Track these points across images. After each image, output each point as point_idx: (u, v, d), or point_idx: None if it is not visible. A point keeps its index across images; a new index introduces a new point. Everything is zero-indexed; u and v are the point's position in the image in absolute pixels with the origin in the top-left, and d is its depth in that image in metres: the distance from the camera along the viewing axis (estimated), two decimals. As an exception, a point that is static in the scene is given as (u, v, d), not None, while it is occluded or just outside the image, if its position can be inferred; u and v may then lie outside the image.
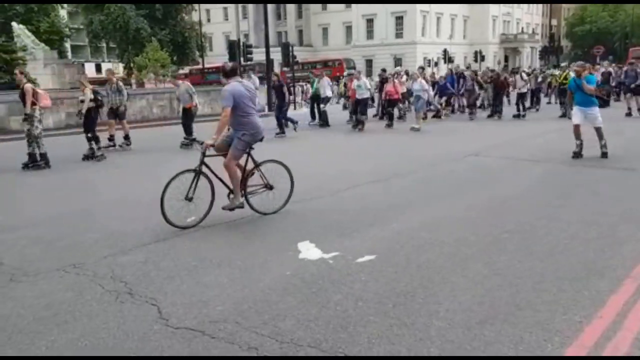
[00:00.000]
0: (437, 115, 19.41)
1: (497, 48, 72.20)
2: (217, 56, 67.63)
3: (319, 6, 72.95)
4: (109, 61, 71.81)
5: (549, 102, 24.96)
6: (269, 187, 6.63)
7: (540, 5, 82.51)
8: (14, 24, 33.20)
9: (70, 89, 21.87)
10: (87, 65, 57.86)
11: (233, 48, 28.68)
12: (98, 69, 64.21)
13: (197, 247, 5.36)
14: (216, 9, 78.42)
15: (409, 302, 3.97)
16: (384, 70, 20.94)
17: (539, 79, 23.92)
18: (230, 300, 4.07)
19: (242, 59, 28.31)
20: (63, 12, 59.21)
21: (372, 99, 21.02)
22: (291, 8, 72.09)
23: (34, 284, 4.52)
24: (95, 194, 8.31)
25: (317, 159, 11.38)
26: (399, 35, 64.18)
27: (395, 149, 12.36)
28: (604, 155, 9.88)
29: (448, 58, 50.16)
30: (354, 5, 66.25)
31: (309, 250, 5.16)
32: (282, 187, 6.70)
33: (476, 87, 19.90)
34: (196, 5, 52.03)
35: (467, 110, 20.11)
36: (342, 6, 69.87)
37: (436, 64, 54.31)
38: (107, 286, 4.40)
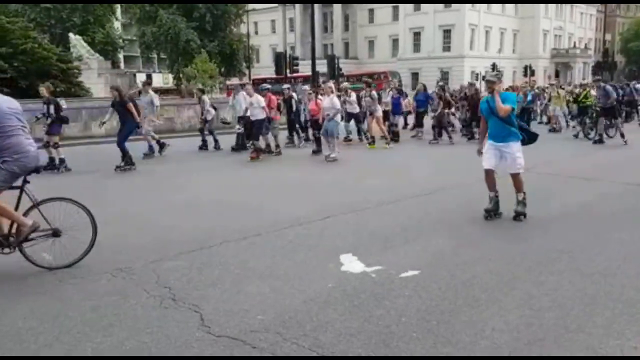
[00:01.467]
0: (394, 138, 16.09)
1: (547, 63, 70.66)
2: (263, 68, 68.59)
3: (365, 19, 73.17)
4: (160, 71, 73.86)
5: (540, 122, 21.91)
6: (56, 233, 5.15)
7: (593, 20, 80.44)
8: (70, 34, 34.60)
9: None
10: (138, 75, 59.63)
11: (279, 60, 29.06)
12: (149, 79, 66.12)
13: (241, 256, 5.39)
14: (264, 22, 79.70)
15: (453, 320, 3.87)
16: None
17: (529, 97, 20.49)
18: (271, 310, 4.06)
19: (288, 70, 28.65)
20: (117, 23, 61.34)
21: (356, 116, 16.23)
22: (338, 21, 72.53)
23: (82, 286, 4.63)
24: (144, 199, 8.50)
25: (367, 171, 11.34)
26: (446, 48, 63.64)
27: (425, 164, 12.18)
28: (519, 216, 6.68)
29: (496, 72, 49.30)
30: (401, 18, 66.16)
31: (351, 263, 5.11)
32: (79, 234, 5.23)
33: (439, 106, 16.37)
34: (244, 18, 53.00)
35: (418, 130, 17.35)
36: (389, 19, 69.90)
37: (484, 77, 53.51)
38: (151, 291, 4.47)
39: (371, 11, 72.67)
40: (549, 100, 20.38)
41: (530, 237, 5.96)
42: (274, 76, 38.03)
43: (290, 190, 9.08)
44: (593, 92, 16.89)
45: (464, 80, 30.25)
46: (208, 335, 3.68)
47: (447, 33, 63.63)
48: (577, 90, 20.04)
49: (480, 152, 7.01)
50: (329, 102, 12.66)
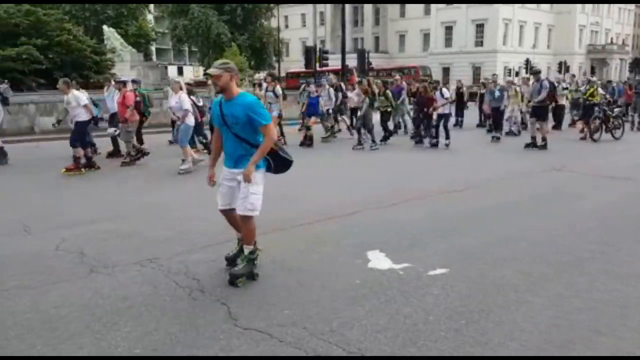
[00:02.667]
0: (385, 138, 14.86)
1: (583, 59, 69.04)
2: (293, 61, 68.71)
3: (396, 13, 72.58)
4: (191, 64, 74.64)
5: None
6: None
7: (631, 15, 78.23)
8: (104, 27, 35.17)
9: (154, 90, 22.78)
10: (170, 67, 60.37)
11: (309, 53, 29.01)
12: (180, 71, 66.85)
13: (268, 249, 5.39)
14: (294, 15, 79.70)
15: (482, 320, 3.81)
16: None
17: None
18: (298, 305, 4.06)
19: (317, 64, 28.60)
20: (150, 16, 62.18)
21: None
22: (369, 14, 72.09)
23: (112, 276, 4.71)
24: (169, 190, 8.60)
25: (403, 165, 11.26)
26: (478, 43, 62.71)
27: (460, 163, 12.02)
28: (234, 279, 4.47)
29: (530, 68, 48.46)
30: (433, 12, 65.43)
31: (378, 260, 5.08)
32: None
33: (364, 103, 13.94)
34: (275, 12, 53.14)
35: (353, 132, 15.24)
36: (420, 13, 69.18)
37: (517, 73, 52.55)
38: (180, 282, 4.51)
39: (402, 5, 72.00)
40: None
41: (561, 238, 5.83)
42: (304, 70, 38.12)
43: (317, 183, 9.06)
44: (600, 90, 16.09)
45: (498, 76, 29.78)
46: (235, 328, 3.70)
47: (479, 27, 62.67)
48: (582, 88, 17.98)
49: (211, 180, 4.84)
50: (177, 99, 10.78)
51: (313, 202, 7.54)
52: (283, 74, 53.33)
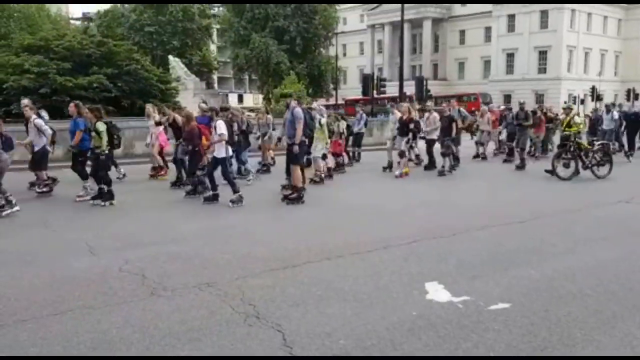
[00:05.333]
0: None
1: (653, 86, 66.19)
2: (350, 89, 69.25)
3: (456, 40, 72.19)
4: (250, 92, 76.59)
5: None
6: None
7: None
8: (170, 56, 36.68)
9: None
10: (230, 95, 62.11)
11: (367, 81, 29.19)
12: (240, 99, 68.67)
13: (324, 277, 5.38)
14: (352, 44, 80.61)
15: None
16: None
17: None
18: (353, 335, 4.00)
19: (374, 91, 28.71)
20: (213, 46, 64.46)
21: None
22: (427, 42, 72.00)
23: (172, 299, 4.80)
24: (227, 215, 8.73)
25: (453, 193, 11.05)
26: (541, 70, 61.33)
27: (523, 192, 11.63)
28: None
29: (596, 96, 46.93)
30: (494, 40, 64.67)
31: (437, 292, 4.94)
32: None
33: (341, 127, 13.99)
34: (334, 40, 53.96)
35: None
36: (480, 40, 68.54)
37: (582, 101, 50.97)
38: (236, 307, 4.54)
39: (462, 32, 71.64)
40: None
41: (633, 274, 5.51)
42: (361, 97, 38.34)
43: (374, 212, 8.99)
44: (578, 119, 13.78)
45: (560, 104, 29.13)
46: (290, 356, 3.68)
47: (542, 54, 61.36)
48: (561, 116, 15.90)
49: None
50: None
51: (369, 231, 7.48)
52: (341, 101, 53.89)
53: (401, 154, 13.37)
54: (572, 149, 12.75)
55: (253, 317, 4.34)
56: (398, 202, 10.00)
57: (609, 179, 12.58)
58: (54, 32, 30.01)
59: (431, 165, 14.45)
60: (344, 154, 14.74)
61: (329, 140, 12.53)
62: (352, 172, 14.54)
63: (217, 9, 61.37)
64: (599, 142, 13.80)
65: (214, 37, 63.93)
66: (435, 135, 14.27)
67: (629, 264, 5.90)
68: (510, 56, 63.92)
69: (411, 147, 14.15)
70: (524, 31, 61.45)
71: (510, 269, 5.68)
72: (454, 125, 14.05)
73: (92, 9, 66.85)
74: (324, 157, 12.42)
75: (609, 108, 19.42)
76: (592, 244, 6.83)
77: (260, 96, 56.20)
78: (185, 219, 8.50)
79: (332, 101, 52.99)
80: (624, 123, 18.77)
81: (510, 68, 64.07)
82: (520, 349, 3.77)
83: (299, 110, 10.01)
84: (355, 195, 10.89)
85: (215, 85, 67.21)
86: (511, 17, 63.02)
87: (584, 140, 13.60)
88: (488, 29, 66.39)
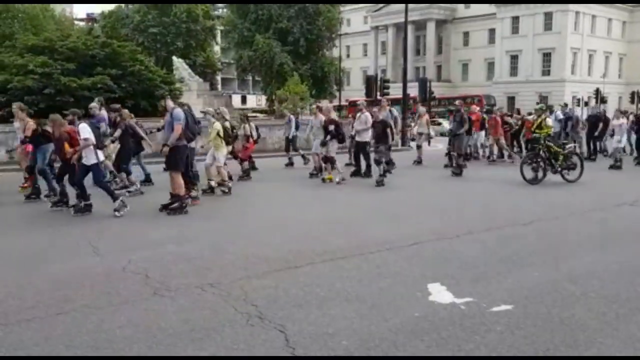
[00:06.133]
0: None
1: (657, 88, 66.03)
2: (353, 90, 69.18)
3: (460, 42, 72.13)
4: (254, 93, 76.69)
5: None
6: None
7: None
8: (174, 57, 36.73)
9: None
10: (234, 96, 62.21)
11: (370, 83, 29.17)
12: (243, 100, 68.78)
13: (327, 278, 5.38)
14: (356, 45, 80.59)
15: (550, 361, 3.63)
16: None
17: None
18: (356, 336, 4.00)
19: (378, 93, 28.67)
20: (217, 47, 64.53)
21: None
22: (431, 44, 71.92)
23: (175, 299, 4.81)
24: (231, 216, 8.75)
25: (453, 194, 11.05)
26: (545, 72, 61.22)
27: (527, 195, 11.60)
28: None
29: (600, 98, 46.82)
30: (497, 42, 64.60)
31: (439, 293, 4.94)
32: None
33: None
34: (337, 42, 53.94)
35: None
36: (484, 42, 68.48)
37: (586, 103, 50.82)
38: (239, 308, 4.55)
39: (466, 34, 71.57)
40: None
41: (637, 276, 5.50)
42: (365, 99, 38.36)
43: (377, 213, 9.00)
44: (549, 121, 13.40)
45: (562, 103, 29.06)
46: (292, 357, 3.68)
47: (546, 57, 61.25)
48: (531, 117, 15.56)
49: None
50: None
51: (372, 232, 7.49)
52: (344, 103, 53.89)
53: (326, 159, 12.46)
54: (541, 152, 12.35)
55: (256, 318, 4.34)
56: (402, 203, 9.99)
57: (613, 181, 12.55)
58: (58, 33, 30.12)
59: (358, 171, 13.18)
60: (245, 161, 13.28)
61: (223, 145, 10.90)
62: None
63: (221, 10, 61.48)
64: (569, 145, 13.37)
65: (218, 38, 63.99)
66: (366, 138, 12.99)
67: (633, 266, 5.88)
68: (514, 58, 63.82)
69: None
70: (528, 33, 61.35)
71: (513, 270, 5.67)
72: (389, 131, 12.49)
73: (97, 9, 67.19)
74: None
75: (551, 109, 19.18)
76: (595, 247, 6.82)
77: (264, 97, 56.24)
78: (187, 220, 8.51)
79: (335, 102, 53.04)
80: (569, 124, 18.25)
81: (514, 70, 63.98)
82: (523, 351, 3.77)
83: (178, 112, 8.99)
84: (360, 194, 10.89)
85: (219, 86, 67.27)
86: (515, 19, 62.92)
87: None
88: (492, 31, 66.28)
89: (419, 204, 10.07)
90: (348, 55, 78.05)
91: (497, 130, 17.04)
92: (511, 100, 60.69)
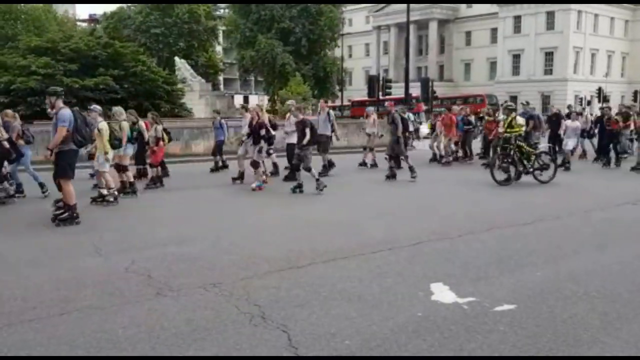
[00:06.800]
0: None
1: (660, 87, 65.92)
2: (355, 90, 69.25)
3: (462, 42, 72.14)
4: (256, 93, 76.74)
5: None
6: None
7: None
8: (176, 58, 36.81)
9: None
10: (236, 97, 62.27)
11: (372, 82, 29.19)
12: (246, 100, 68.82)
13: (330, 278, 5.38)
14: (358, 45, 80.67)
15: (552, 360, 3.63)
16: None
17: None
18: (358, 336, 4.00)
19: (380, 93, 28.69)
20: (219, 48, 64.62)
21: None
22: (433, 43, 71.93)
23: (177, 299, 4.81)
24: (234, 216, 8.76)
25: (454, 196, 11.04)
26: (547, 71, 61.21)
27: (530, 194, 11.59)
28: None
29: (603, 97, 46.75)
30: (499, 41, 64.61)
31: (442, 293, 4.94)
32: None
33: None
34: (339, 42, 53.99)
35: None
36: (487, 42, 68.49)
37: (589, 102, 50.74)
38: (242, 308, 4.56)
39: (468, 33, 71.60)
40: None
41: (639, 276, 5.50)
42: (368, 99, 38.35)
43: (379, 213, 9.00)
44: (520, 120, 12.96)
45: (565, 105, 28.85)
46: (295, 356, 3.69)
47: (548, 56, 61.24)
48: (500, 117, 15.07)
49: None
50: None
51: (374, 232, 7.49)
52: (346, 102, 53.90)
53: (254, 164, 11.48)
54: (512, 152, 12.00)
55: (258, 318, 4.35)
56: (404, 204, 9.97)
57: (614, 181, 12.52)
58: (60, 34, 30.21)
59: (292, 175, 11.98)
60: (152, 167, 12.05)
61: (109, 149, 9.75)
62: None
63: (223, 11, 61.57)
64: (542, 145, 13.01)
65: (220, 38, 64.13)
66: (292, 140, 12.35)
67: (635, 265, 5.88)
68: (517, 57, 63.83)
69: (269, 154, 12.42)
70: (530, 32, 61.37)
71: (515, 270, 5.67)
72: (307, 131, 11.02)
73: (99, 10, 67.30)
74: (124, 168, 10.64)
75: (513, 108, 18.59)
76: (597, 246, 6.81)
77: (266, 97, 56.31)
78: (189, 220, 8.52)
79: (337, 102, 53.05)
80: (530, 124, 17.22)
81: (516, 69, 63.99)
82: (526, 350, 3.77)
83: (64, 113, 7.94)
84: (362, 195, 10.89)
85: (221, 86, 67.42)
86: (517, 19, 62.97)
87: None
88: (494, 30, 66.31)
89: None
90: (350, 55, 78.13)
91: (452, 130, 16.35)
92: (513, 99, 60.58)
